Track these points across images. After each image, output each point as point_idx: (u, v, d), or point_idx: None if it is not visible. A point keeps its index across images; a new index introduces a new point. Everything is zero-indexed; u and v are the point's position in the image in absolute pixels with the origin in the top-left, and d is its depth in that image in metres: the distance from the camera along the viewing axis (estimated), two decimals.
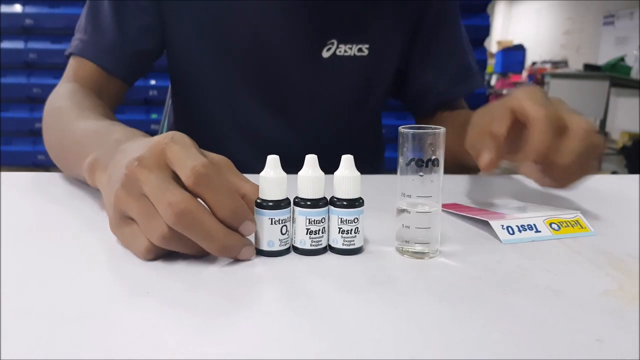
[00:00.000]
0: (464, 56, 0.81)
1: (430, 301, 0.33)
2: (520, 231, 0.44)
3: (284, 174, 0.39)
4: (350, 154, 0.40)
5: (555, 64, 7.46)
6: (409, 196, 0.39)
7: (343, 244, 0.40)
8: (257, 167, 0.78)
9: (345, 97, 0.77)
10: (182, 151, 0.37)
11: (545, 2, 8.34)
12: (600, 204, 0.56)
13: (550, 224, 0.45)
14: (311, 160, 0.39)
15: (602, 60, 5.98)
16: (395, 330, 0.29)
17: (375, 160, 0.93)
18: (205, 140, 0.79)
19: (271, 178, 0.38)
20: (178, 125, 0.85)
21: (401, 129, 0.39)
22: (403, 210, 0.40)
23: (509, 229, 0.44)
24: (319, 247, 0.40)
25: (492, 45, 8.72)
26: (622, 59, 5.06)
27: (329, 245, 0.40)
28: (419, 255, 0.40)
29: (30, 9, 3.01)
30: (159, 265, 0.38)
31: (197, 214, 0.34)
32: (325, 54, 0.73)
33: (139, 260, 0.38)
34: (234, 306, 0.32)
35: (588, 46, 7.10)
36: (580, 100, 4.67)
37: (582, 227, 0.46)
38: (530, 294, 0.34)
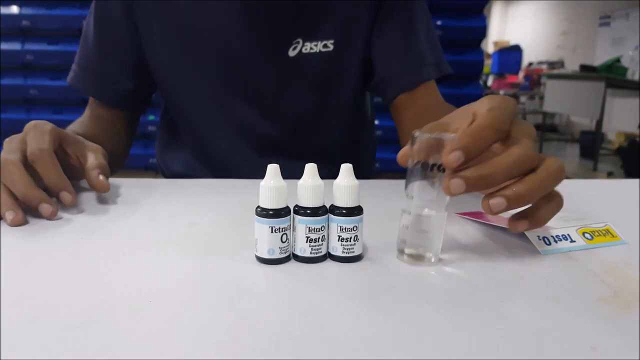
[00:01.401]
0: (417, 45, 0.77)
1: (428, 308, 0.33)
2: (556, 241, 0.44)
3: (284, 182, 0.40)
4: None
5: (552, 64, 7.49)
6: (413, 198, 0.40)
7: (343, 252, 0.40)
8: (248, 158, 0.80)
9: (316, 92, 0.78)
10: (34, 136, 0.52)
11: (541, 3, 8.37)
12: (597, 210, 0.56)
13: (584, 234, 0.46)
14: (311, 169, 0.40)
15: (598, 61, 6.00)
16: (394, 337, 0.30)
17: (365, 158, 0.93)
18: (196, 136, 0.80)
19: (271, 187, 0.39)
20: (176, 125, 0.86)
21: (413, 132, 0.40)
22: (405, 212, 0.40)
23: (545, 239, 0.44)
24: (318, 254, 0.40)
25: (489, 46, 8.75)
26: (618, 60, 5.08)
27: (329, 253, 0.41)
28: (418, 257, 0.40)
29: (27, 10, 3.01)
30: (161, 274, 0.38)
31: (11, 167, 0.49)
32: (292, 52, 0.74)
33: (141, 269, 0.39)
34: (234, 314, 0.32)
35: (584, 47, 7.12)
36: (576, 101, 4.69)
37: (613, 236, 0.46)
38: (526, 301, 0.35)
